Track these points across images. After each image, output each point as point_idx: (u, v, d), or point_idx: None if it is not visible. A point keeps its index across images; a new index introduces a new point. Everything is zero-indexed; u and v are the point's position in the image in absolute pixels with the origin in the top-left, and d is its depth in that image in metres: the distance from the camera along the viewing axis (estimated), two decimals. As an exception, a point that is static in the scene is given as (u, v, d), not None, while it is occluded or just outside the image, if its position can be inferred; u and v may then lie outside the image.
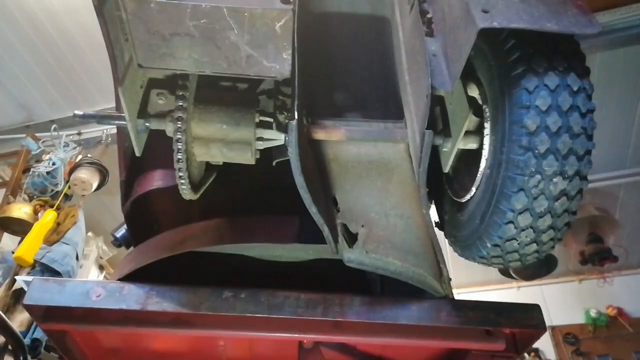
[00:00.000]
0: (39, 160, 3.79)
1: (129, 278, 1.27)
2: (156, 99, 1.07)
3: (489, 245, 1.05)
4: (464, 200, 1.18)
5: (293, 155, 1.01)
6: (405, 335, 1.40)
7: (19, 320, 3.00)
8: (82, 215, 3.64)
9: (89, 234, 4.18)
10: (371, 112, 1.40)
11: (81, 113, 1.14)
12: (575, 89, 0.93)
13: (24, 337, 2.81)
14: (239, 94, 1.08)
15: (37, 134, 4.02)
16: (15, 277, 3.20)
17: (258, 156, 1.10)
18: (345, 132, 1.22)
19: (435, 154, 1.24)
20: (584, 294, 5.83)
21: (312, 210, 1.10)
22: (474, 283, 5.93)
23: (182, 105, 1.00)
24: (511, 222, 0.98)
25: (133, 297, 1.24)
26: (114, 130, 2.98)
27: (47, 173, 3.64)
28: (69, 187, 3.63)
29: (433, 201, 1.45)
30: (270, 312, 1.31)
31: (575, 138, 0.93)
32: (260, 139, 1.09)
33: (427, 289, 1.34)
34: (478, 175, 1.09)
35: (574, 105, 0.92)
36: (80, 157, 3.78)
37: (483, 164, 1.08)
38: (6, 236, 3.82)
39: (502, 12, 0.87)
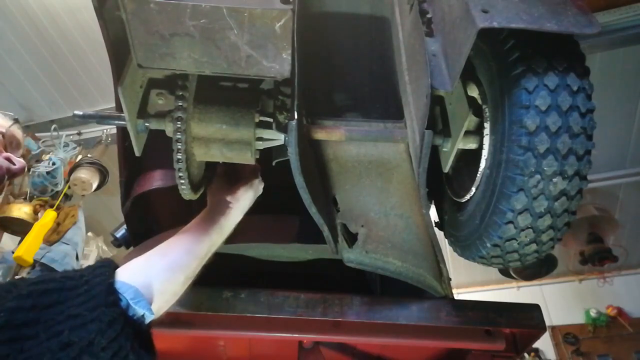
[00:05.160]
0: (39, 160, 3.78)
1: (128, 278, 1.27)
2: (156, 99, 1.07)
3: (488, 245, 1.05)
4: (463, 200, 1.18)
5: (293, 155, 1.01)
6: (405, 335, 1.40)
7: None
8: (82, 215, 3.64)
9: (89, 234, 4.17)
10: (371, 112, 1.40)
11: (81, 113, 1.14)
12: (575, 88, 0.93)
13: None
14: (238, 94, 1.08)
15: (37, 134, 4.02)
16: (15, 277, 3.20)
17: (258, 156, 1.10)
18: (345, 132, 1.22)
19: (435, 154, 1.24)
20: (584, 294, 5.83)
21: (312, 210, 1.10)
22: (474, 283, 5.93)
23: (181, 105, 1.00)
24: (511, 222, 0.98)
25: (133, 297, 1.24)
26: (114, 130, 2.98)
27: (47, 173, 3.64)
28: (69, 187, 3.63)
29: (433, 201, 1.45)
30: (270, 312, 1.32)
31: (575, 138, 0.93)
32: (260, 139, 1.08)
33: (427, 289, 1.34)
34: (478, 175, 1.09)
35: (574, 105, 0.92)
36: (80, 157, 3.78)
37: (483, 164, 1.08)
38: (6, 236, 3.82)
39: (502, 12, 0.87)
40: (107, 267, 0.83)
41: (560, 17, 0.88)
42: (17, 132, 1.28)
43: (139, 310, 0.80)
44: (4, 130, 1.22)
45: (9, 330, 0.68)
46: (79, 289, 0.75)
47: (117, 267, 0.86)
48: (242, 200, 1.15)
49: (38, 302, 0.71)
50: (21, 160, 1.25)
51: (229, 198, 1.14)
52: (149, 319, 0.82)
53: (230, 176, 1.19)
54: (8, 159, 1.20)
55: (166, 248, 1.01)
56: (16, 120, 1.30)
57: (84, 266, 3.89)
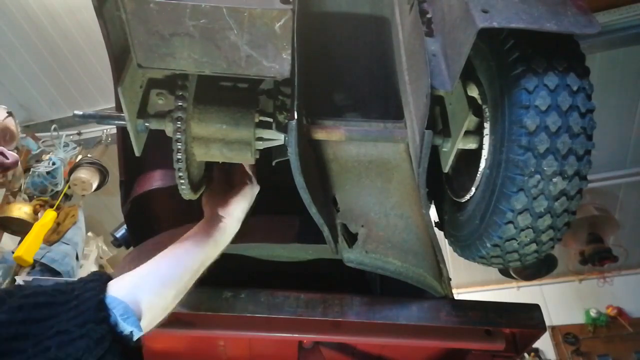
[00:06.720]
0: (39, 160, 3.79)
1: (128, 278, 1.27)
2: (156, 99, 1.07)
3: (488, 245, 1.05)
4: (463, 200, 1.18)
5: (293, 155, 1.01)
6: (405, 335, 1.40)
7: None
8: (82, 215, 3.64)
9: (89, 234, 4.18)
10: (371, 112, 1.40)
11: (81, 113, 1.14)
12: (574, 88, 0.93)
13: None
14: (238, 94, 1.08)
15: (37, 134, 4.02)
16: (15, 277, 3.20)
17: (258, 156, 1.10)
18: (345, 132, 1.22)
19: (435, 154, 1.24)
20: (584, 294, 5.83)
21: (312, 210, 1.10)
22: (474, 283, 5.93)
23: (181, 105, 1.00)
24: (511, 222, 0.98)
25: (133, 297, 1.24)
26: (114, 130, 2.98)
27: (47, 173, 3.64)
28: (69, 187, 3.63)
29: (433, 201, 1.45)
30: (270, 312, 1.32)
31: (575, 138, 0.93)
32: (260, 139, 1.08)
33: (427, 289, 1.34)
34: (478, 175, 1.09)
35: (574, 105, 0.92)
36: (80, 157, 3.78)
37: (483, 164, 1.08)
38: (6, 236, 3.83)
39: (502, 12, 0.87)
40: (98, 281, 0.82)
41: (560, 17, 0.88)
42: (12, 124, 1.27)
43: (127, 327, 0.79)
44: None
45: None
46: (69, 304, 0.75)
47: (109, 279, 0.85)
48: (236, 213, 1.15)
49: (29, 315, 0.71)
50: (14, 154, 1.23)
51: (221, 213, 1.13)
52: (137, 335, 0.81)
53: (223, 184, 1.18)
54: (1, 154, 1.18)
55: (160, 261, 1.01)
56: (10, 114, 1.28)
57: (84, 266, 3.89)
